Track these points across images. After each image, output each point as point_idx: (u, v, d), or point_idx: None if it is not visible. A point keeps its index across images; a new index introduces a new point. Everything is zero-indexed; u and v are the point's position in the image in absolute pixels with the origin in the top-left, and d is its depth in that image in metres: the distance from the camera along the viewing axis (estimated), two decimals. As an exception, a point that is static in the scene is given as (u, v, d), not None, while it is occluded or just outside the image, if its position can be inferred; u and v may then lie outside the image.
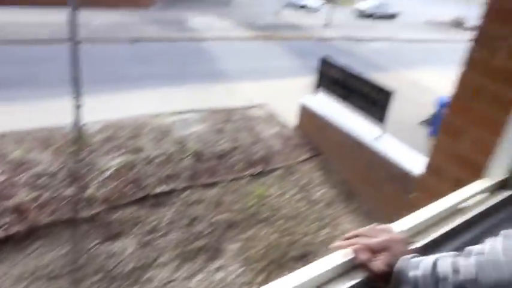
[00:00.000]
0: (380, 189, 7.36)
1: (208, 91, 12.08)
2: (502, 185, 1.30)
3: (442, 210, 1.08)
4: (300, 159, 8.79)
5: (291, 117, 10.01)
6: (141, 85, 11.75)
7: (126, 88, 11.50)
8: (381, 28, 25.85)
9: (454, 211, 1.11)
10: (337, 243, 0.91)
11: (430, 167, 1.62)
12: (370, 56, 18.95)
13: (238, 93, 12.14)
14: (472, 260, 0.76)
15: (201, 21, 21.04)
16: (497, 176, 1.30)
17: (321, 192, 7.85)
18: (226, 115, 10.20)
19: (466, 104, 1.46)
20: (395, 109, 8.03)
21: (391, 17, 29.63)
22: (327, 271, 0.84)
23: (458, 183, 1.36)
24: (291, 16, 25.28)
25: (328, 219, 7.13)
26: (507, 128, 1.30)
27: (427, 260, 0.80)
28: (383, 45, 21.90)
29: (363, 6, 29.40)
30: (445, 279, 0.76)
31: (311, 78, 10.22)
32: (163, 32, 18.40)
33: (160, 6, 23.99)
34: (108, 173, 7.25)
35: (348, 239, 0.92)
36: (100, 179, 7.11)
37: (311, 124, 9.33)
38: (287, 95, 11.62)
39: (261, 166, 8.30)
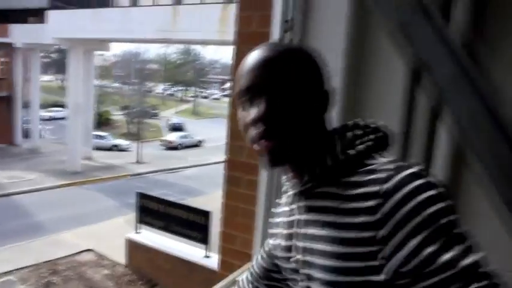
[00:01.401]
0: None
1: (29, 247, 11.60)
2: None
3: None
4: (137, 294, 9.10)
5: (120, 256, 10.28)
6: None
7: None
8: (189, 156, 28.10)
9: None
10: None
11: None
12: (184, 183, 20.50)
13: (62, 242, 11.94)
14: None
15: (6, 176, 20.06)
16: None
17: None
18: (52, 267, 10.02)
19: (231, 232, 2.49)
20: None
21: (196, 145, 32.52)
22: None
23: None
24: (102, 157, 25.79)
25: None
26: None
27: None
28: (194, 171, 23.85)
29: (169, 138, 31.77)
30: None
31: (133, 215, 10.81)
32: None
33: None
34: None
35: None
36: None
37: (141, 258, 9.74)
38: (113, 235, 11.91)
39: (98, 310, 8.36)
